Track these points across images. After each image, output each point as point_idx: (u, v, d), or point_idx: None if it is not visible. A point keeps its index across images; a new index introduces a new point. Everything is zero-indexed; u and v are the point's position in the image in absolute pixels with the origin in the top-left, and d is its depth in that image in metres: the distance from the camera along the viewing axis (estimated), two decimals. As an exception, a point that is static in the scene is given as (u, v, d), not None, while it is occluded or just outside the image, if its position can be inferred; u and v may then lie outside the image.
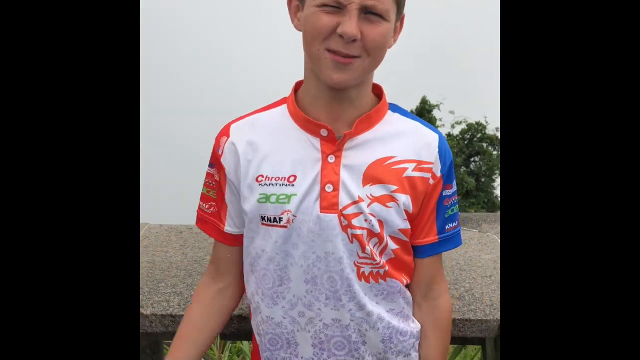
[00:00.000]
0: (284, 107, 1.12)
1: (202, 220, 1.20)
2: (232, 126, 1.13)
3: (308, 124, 1.06)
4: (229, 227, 1.16)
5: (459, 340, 1.54)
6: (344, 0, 0.92)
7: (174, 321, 1.48)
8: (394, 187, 1.05)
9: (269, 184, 1.06)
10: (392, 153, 1.06)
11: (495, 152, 23.49)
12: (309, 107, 1.07)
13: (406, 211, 1.07)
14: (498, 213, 2.31)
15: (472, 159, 23.09)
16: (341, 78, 0.97)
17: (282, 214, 1.05)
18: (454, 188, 1.14)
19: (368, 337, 1.12)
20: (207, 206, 1.18)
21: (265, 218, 1.07)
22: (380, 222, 1.05)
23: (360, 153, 1.06)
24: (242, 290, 1.26)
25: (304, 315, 1.10)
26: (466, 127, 23.67)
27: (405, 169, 1.06)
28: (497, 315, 1.50)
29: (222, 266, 1.22)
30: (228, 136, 1.12)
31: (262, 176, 1.06)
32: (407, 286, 1.17)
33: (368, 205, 1.04)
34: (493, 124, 23.84)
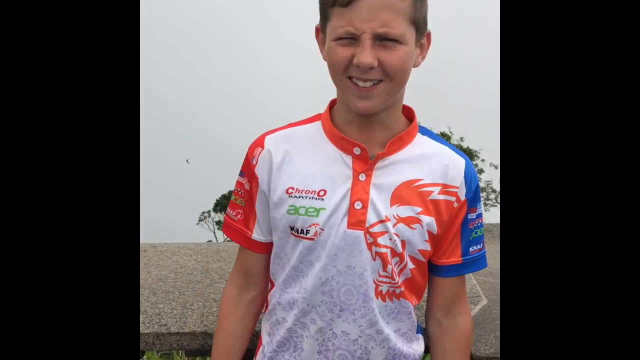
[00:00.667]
0: (318, 123, 1.16)
1: (229, 227, 1.22)
2: (267, 137, 1.16)
3: (342, 142, 1.10)
4: (256, 235, 1.19)
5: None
6: (356, 32, 0.96)
7: (139, 339, 1.49)
8: (419, 209, 1.08)
9: (299, 197, 1.09)
10: (420, 175, 1.09)
11: (460, 162, 23.94)
12: (343, 126, 1.11)
13: (430, 232, 1.10)
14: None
15: (437, 169, 23.45)
16: (367, 105, 1.02)
17: (310, 226, 1.08)
18: (479, 211, 1.17)
19: (372, 355, 1.14)
20: (234, 214, 1.21)
21: (294, 229, 1.10)
22: (403, 242, 1.08)
23: (390, 173, 1.09)
24: (267, 293, 1.29)
25: (315, 323, 1.14)
26: (431, 138, 24.06)
27: (431, 192, 1.09)
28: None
29: (252, 277, 1.24)
30: (263, 147, 1.15)
31: (293, 188, 1.10)
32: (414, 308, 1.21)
33: (394, 225, 1.07)
34: (457, 134, 24.39)
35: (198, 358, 2.70)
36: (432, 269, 1.19)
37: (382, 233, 1.07)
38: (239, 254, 1.26)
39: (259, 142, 1.16)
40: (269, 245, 1.20)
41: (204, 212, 36.79)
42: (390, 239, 1.07)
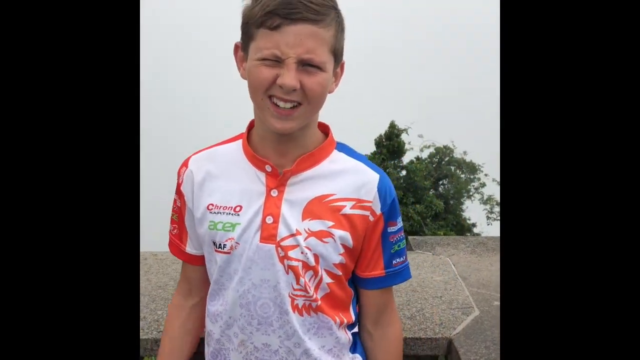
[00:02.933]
0: (239, 142, 1.21)
1: (170, 241, 1.30)
2: (192, 158, 1.24)
3: (255, 160, 1.15)
4: (189, 249, 1.26)
5: (412, 359, 1.62)
6: (282, 55, 1.00)
7: (139, 345, 1.53)
8: (331, 223, 1.12)
9: (218, 212, 1.15)
10: (332, 191, 1.14)
11: (463, 176, 23.92)
12: (259, 144, 1.16)
13: (345, 245, 1.14)
14: (451, 237, 2.42)
15: (440, 182, 23.46)
16: (285, 127, 1.06)
17: (227, 240, 1.14)
18: (399, 225, 1.20)
19: None
20: (172, 228, 1.29)
21: (215, 244, 1.16)
22: (315, 256, 1.12)
23: (303, 189, 1.14)
24: None
25: (237, 337, 1.19)
26: (434, 151, 24.09)
27: (344, 206, 1.13)
28: (447, 334, 1.59)
29: (194, 286, 1.31)
30: (187, 167, 1.22)
31: (213, 205, 1.16)
32: (349, 326, 1.23)
33: (305, 239, 1.11)
34: (460, 148, 24.34)
35: None
36: (358, 281, 1.23)
37: (293, 247, 1.11)
38: (182, 266, 1.33)
39: (184, 163, 1.24)
40: (202, 257, 1.26)
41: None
42: (302, 253, 1.11)
